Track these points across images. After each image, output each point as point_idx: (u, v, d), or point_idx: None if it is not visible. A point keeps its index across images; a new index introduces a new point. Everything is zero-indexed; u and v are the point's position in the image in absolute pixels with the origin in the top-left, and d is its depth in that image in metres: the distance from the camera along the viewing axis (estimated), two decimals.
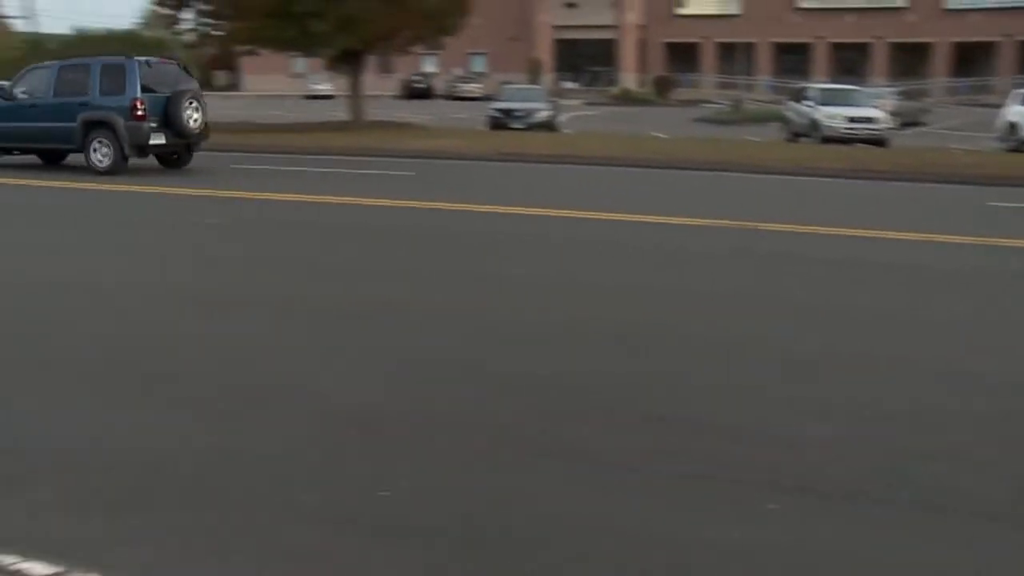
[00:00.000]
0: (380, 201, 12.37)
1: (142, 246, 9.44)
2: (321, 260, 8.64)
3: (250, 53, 30.30)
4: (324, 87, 56.08)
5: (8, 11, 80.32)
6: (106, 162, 15.55)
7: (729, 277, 8.02)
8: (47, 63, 17.97)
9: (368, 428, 4.45)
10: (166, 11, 28.08)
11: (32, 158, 17.10)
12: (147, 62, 16.36)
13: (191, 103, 15.98)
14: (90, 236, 10.15)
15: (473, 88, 56.51)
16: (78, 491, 3.77)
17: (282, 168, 17.44)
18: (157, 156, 16.57)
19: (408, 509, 3.60)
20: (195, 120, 16.01)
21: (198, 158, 17.02)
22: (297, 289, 7.30)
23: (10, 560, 3.18)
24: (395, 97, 52.26)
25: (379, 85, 38.83)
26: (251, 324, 6.30)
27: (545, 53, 63.48)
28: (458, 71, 61.67)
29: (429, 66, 61.90)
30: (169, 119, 15.68)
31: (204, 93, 17.27)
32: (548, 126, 27.20)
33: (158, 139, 15.74)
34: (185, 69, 17.42)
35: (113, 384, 5.10)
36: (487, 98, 44.94)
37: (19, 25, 69.03)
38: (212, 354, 5.63)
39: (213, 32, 27.89)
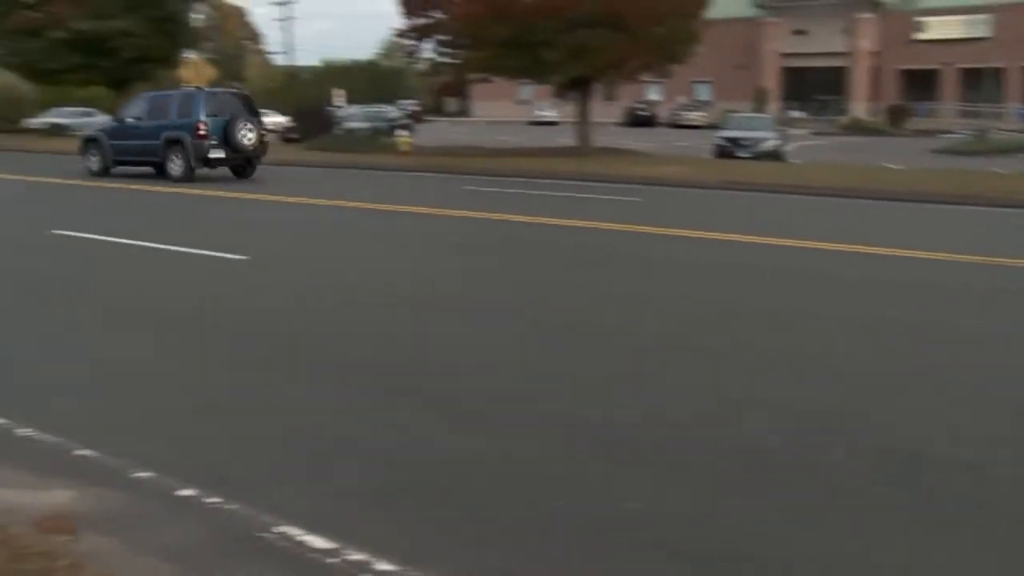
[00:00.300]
0: (609, 225, 12.55)
1: (393, 260, 10.07)
2: (561, 281, 8.87)
3: (483, 81, 31.54)
4: (549, 114, 57.48)
5: (271, 47, 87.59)
6: (178, 171, 19.43)
7: (997, 316, 7.56)
8: (146, 93, 22.45)
9: (622, 446, 4.57)
10: (407, 42, 29.76)
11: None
12: (212, 92, 20.90)
13: (245, 125, 19.70)
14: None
15: (697, 116, 56.06)
16: (352, 482, 4.13)
17: (513, 191, 18.06)
18: (231, 168, 20.23)
19: (656, 525, 3.70)
20: (249, 139, 19.79)
21: (435, 179, 17.95)
22: (543, 308, 7.56)
23: (295, 531, 3.56)
24: (618, 124, 52.67)
25: (603, 112, 39.30)
26: (510, 338, 6.61)
27: (772, 81, 62.10)
28: (682, 99, 61.40)
29: (653, 94, 62.01)
30: (227, 138, 19.45)
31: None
32: (775, 156, 26.61)
33: (218, 154, 19.54)
34: (247, 98, 21.63)
35: (388, 387, 5.49)
36: (711, 127, 44.48)
37: (279, 59, 75.44)
38: (476, 365, 5.95)
39: (450, 61, 29.32)
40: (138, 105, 21.09)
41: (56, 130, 42.69)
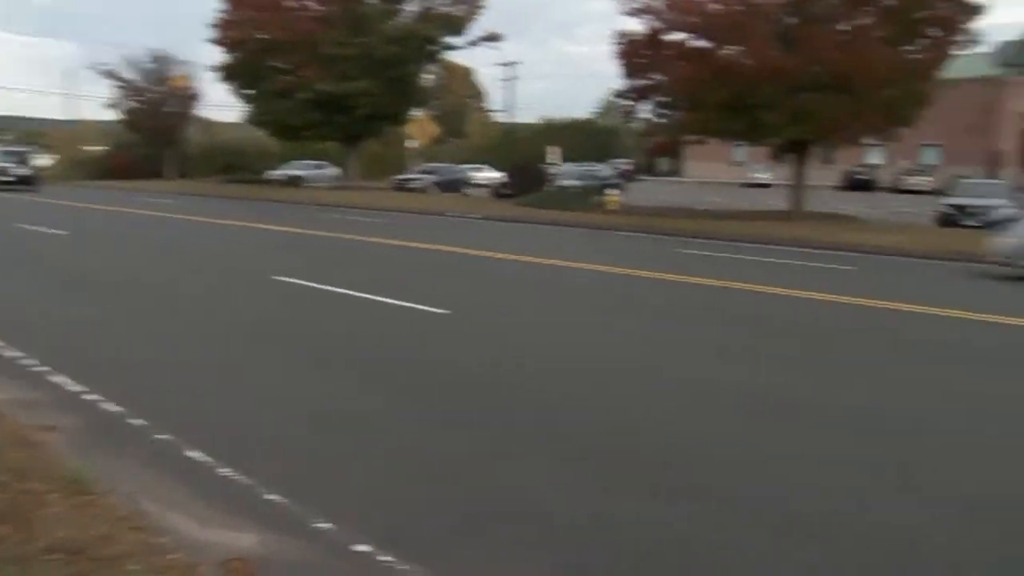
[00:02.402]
0: (822, 296, 12.05)
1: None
2: (770, 351, 8.56)
3: (698, 142, 31.41)
4: (763, 176, 56.37)
5: (494, 106, 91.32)
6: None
7: None
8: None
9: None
10: (625, 102, 30.09)
11: None
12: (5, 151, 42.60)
13: (13, 160, 39.97)
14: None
15: (921, 181, 53.20)
16: (542, 556, 4.11)
17: (722, 255, 17.72)
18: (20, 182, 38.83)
19: None
20: (12, 172, 39.15)
21: (642, 239, 17.79)
22: (750, 379, 7.31)
23: None
24: (834, 188, 50.77)
25: (819, 175, 37.97)
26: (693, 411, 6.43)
27: (1010, 144, 57.99)
28: (906, 163, 58.45)
29: (874, 157, 59.43)
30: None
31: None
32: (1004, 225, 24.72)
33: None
34: (24, 151, 43.15)
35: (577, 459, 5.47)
36: (936, 192, 41.99)
37: (500, 117, 78.53)
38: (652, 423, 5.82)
39: (666, 122, 29.39)
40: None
41: (292, 181, 46.11)
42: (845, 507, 4.57)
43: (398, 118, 45.93)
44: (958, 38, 25.68)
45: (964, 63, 37.00)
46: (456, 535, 4.21)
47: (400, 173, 47.53)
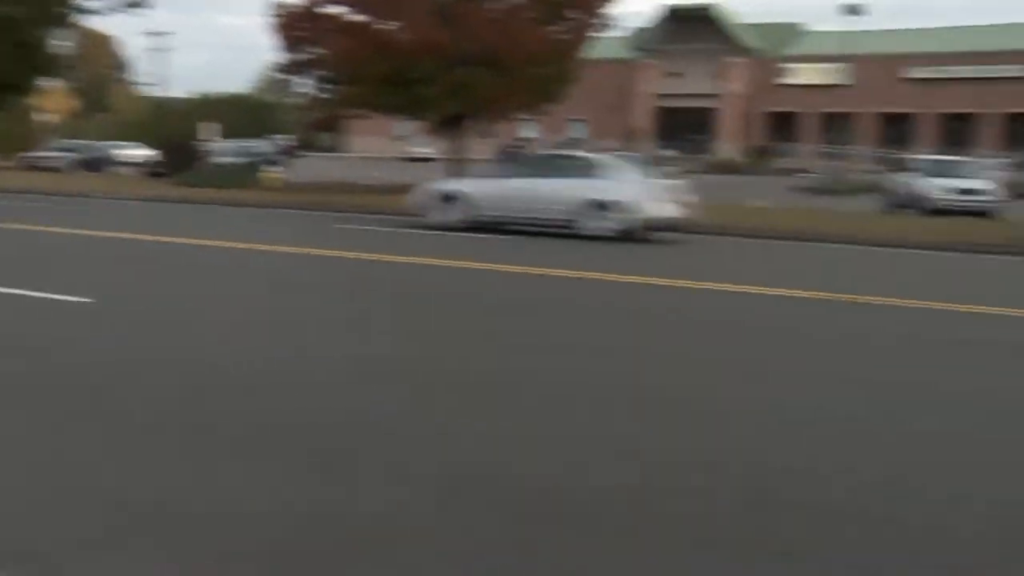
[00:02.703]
0: (479, 265, 12.46)
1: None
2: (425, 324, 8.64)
3: (360, 117, 31.39)
4: (424, 150, 57.65)
5: (142, 78, 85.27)
6: None
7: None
8: None
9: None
10: (284, 77, 29.37)
11: None
12: None
13: None
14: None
15: None
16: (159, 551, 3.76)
17: (385, 229, 17.83)
18: None
19: None
20: None
21: (302, 216, 17.43)
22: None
23: None
24: (491, 161, 53.03)
25: (477, 149, 39.46)
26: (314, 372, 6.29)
27: (645, 121, 63.85)
28: (556, 137, 62.43)
29: (528, 131, 62.84)
30: None
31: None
32: None
33: None
34: None
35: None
36: None
37: (153, 91, 73.52)
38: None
39: (327, 96, 29.03)
40: None
41: None
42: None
43: (25, 88, 41.38)
44: (596, 21, 27.67)
45: (604, 46, 40.15)
46: (94, 543, 3.76)
47: (31, 150, 43.11)
